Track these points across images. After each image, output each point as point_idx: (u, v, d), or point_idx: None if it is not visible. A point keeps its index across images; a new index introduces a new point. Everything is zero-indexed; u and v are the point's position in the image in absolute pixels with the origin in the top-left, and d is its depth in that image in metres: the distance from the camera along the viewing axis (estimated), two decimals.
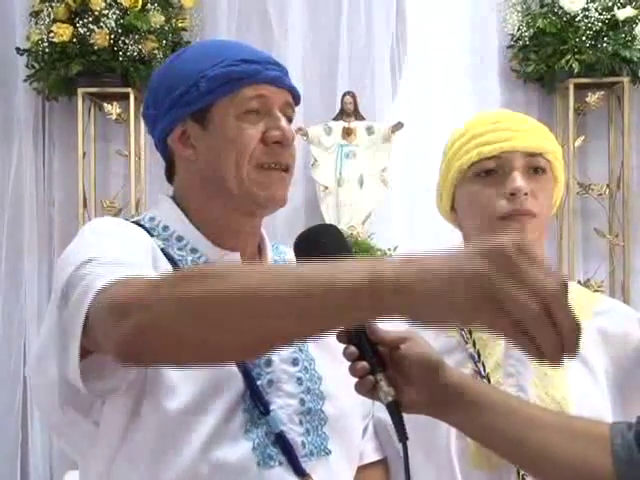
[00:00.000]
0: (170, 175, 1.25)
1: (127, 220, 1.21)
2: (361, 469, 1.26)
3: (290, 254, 1.23)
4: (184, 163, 1.21)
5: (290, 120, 1.21)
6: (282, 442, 1.10)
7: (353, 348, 1.00)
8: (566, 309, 0.75)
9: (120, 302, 0.91)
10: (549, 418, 1.07)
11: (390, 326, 1.12)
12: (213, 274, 0.87)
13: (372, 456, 1.28)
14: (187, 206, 1.21)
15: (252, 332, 0.83)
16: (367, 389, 1.00)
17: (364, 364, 0.99)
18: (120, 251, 1.05)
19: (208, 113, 1.16)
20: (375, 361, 1.01)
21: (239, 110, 1.16)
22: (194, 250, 1.17)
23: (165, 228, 1.19)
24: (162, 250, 1.15)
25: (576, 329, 0.75)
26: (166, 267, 1.12)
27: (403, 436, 0.98)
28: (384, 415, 1.21)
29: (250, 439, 1.09)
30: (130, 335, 0.89)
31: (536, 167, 1.29)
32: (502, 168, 1.28)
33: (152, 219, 1.21)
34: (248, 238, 1.22)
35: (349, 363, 1.02)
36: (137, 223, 1.19)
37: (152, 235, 1.17)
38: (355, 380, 1.02)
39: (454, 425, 1.09)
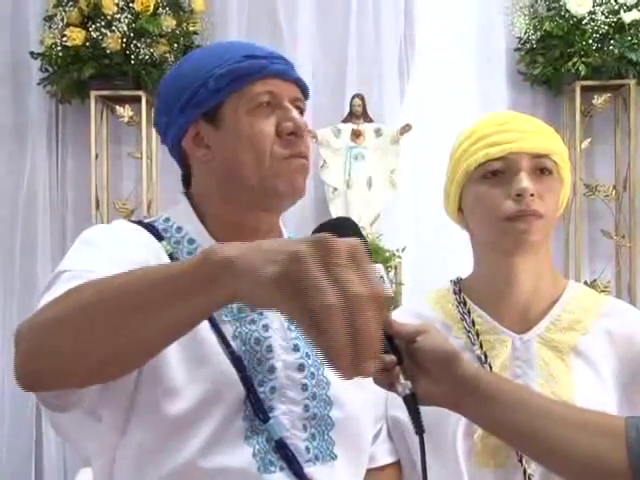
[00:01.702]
0: (186, 180, 1.26)
1: (140, 221, 1.22)
2: (374, 471, 1.26)
3: None
4: (199, 164, 1.21)
5: (302, 112, 1.22)
6: (283, 449, 1.10)
7: None
8: (369, 319, 0.70)
9: (18, 330, 0.92)
10: (562, 410, 1.07)
11: (406, 319, 1.12)
12: (76, 290, 0.89)
13: (386, 459, 1.28)
14: (203, 208, 1.21)
15: (117, 333, 0.85)
16: (391, 381, 1.00)
17: (393, 357, 0.99)
18: (94, 262, 1.05)
19: (219, 112, 1.17)
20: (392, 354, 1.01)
21: (249, 106, 1.16)
22: None
23: (179, 229, 1.20)
24: (170, 255, 1.16)
25: (378, 343, 0.70)
26: None
27: (420, 428, 0.99)
28: (399, 414, 1.22)
29: (251, 445, 1.08)
30: (19, 365, 0.91)
31: (543, 168, 1.29)
32: (509, 169, 1.28)
33: (167, 220, 1.21)
34: (264, 238, 1.20)
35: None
36: (150, 224, 1.20)
37: (163, 237, 1.18)
38: (366, 381, 1.01)
39: (469, 417, 1.10)
